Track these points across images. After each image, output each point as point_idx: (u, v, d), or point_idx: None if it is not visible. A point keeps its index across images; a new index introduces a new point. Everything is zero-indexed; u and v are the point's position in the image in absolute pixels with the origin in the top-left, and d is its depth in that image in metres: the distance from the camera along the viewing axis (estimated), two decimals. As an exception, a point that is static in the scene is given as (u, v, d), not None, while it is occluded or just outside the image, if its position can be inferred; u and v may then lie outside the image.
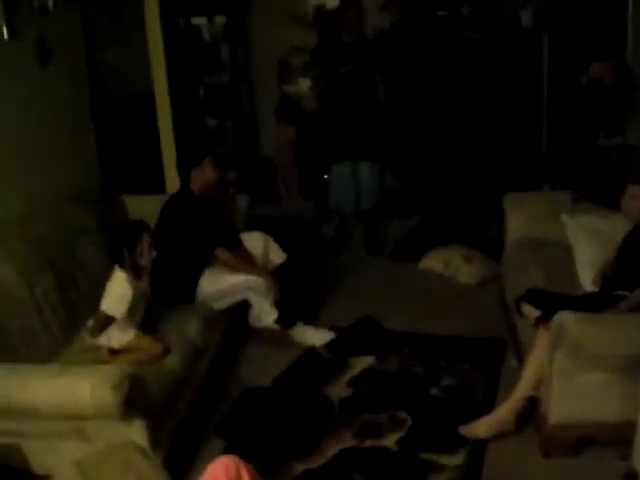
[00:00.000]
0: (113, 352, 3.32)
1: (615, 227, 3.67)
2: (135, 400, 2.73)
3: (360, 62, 5.10)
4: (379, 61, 5.24)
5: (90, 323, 3.37)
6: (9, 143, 3.81)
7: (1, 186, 3.74)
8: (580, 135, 5.53)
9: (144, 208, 4.41)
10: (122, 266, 3.31)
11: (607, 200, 3.95)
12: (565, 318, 2.92)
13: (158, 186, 5.85)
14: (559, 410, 3.01)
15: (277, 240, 4.38)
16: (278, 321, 4.00)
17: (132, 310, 3.32)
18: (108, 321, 3.29)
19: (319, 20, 6.26)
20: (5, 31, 3.69)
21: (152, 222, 4.03)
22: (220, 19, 6.55)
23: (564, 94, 5.67)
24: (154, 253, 3.40)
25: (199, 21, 6.51)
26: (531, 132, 5.88)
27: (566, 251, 3.90)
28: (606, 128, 5.31)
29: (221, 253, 3.97)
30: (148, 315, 3.52)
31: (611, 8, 5.45)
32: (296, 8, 6.42)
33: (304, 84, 6.47)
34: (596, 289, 3.51)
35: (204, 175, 4.04)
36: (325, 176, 5.65)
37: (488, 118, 5.98)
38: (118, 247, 3.31)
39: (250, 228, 4.60)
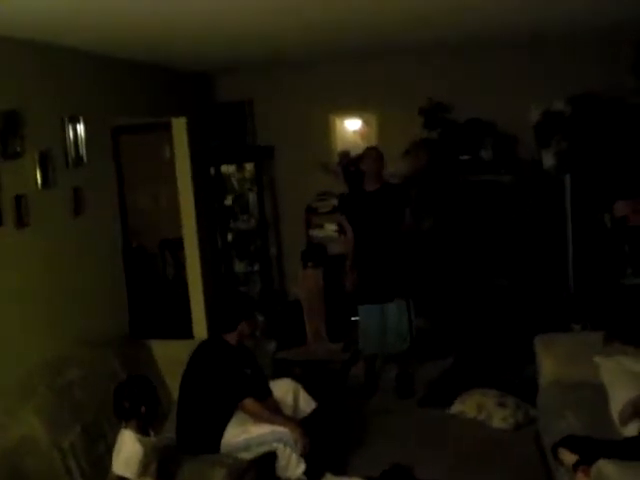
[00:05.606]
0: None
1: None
2: None
3: (384, 207, 5.20)
4: (406, 202, 5.32)
5: None
6: (38, 289, 3.88)
7: (31, 331, 3.79)
8: (607, 274, 5.50)
9: (170, 352, 4.42)
10: (128, 424, 3.27)
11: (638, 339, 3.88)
12: (605, 467, 2.80)
13: (185, 331, 5.88)
14: None
15: (305, 383, 4.31)
16: (306, 473, 3.86)
17: (145, 466, 3.25)
18: (122, 481, 3.23)
19: (345, 167, 6.45)
20: (39, 181, 3.87)
21: (176, 367, 4.02)
22: (249, 167, 6.78)
23: (589, 233, 5.69)
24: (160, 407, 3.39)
25: (228, 169, 6.75)
26: (558, 271, 5.87)
27: (601, 393, 3.78)
28: (633, 266, 5.29)
29: (249, 403, 3.87)
30: (165, 465, 3.44)
31: (631, 148, 5.54)
32: (322, 155, 6.65)
33: (330, 229, 6.61)
34: (627, 428, 3.38)
35: (246, 329, 4.07)
36: (353, 318, 5.63)
37: (514, 259, 6.00)
38: (123, 405, 3.28)
39: (278, 372, 4.55)
